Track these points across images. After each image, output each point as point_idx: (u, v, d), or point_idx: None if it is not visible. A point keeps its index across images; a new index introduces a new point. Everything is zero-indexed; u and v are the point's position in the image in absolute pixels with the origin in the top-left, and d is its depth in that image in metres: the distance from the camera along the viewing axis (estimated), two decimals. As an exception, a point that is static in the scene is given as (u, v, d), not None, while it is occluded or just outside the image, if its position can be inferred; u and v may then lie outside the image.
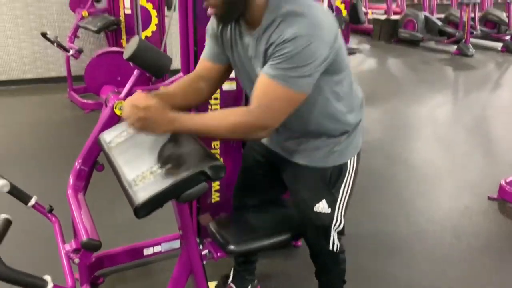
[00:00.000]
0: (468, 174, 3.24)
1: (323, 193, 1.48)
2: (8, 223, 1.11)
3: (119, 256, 2.07)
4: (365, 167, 1.58)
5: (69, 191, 1.58)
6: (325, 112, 1.37)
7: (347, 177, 1.51)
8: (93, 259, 1.94)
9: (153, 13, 4.88)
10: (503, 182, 2.88)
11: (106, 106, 1.70)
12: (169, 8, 4.94)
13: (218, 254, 1.84)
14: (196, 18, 1.82)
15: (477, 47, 7.90)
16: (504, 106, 5.07)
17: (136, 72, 1.64)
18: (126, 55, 1.56)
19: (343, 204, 1.52)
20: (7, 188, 1.26)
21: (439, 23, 8.39)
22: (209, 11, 1.22)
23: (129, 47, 1.56)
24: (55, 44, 4.04)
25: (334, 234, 1.52)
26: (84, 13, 4.28)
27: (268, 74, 1.18)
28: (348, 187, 1.52)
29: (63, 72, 5.27)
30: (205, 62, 1.42)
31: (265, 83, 1.20)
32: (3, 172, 1.40)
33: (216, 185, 2.13)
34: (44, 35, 4.09)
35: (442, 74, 6.63)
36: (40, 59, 5.18)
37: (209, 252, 1.74)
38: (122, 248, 2.08)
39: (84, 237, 1.24)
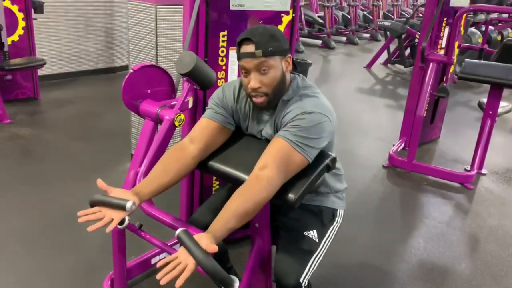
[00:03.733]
0: (361, 152, 4.00)
1: (316, 224, 1.56)
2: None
3: (131, 270, 2.08)
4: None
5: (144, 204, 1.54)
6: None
7: (335, 225, 1.61)
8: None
9: (19, 15, 4.38)
10: (391, 152, 3.71)
11: (156, 121, 1.72)
12: (37, 11, 4.51)
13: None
14: (208, 31, 1.96)
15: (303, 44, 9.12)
16: (353, 93, 6.14)
17: (187, 85, 1.72)
18: (182, 70, 1.62)
19: (325, 246, 1.55)
20: (135, 207, 1.27)
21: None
22: (259, 100, 1.38)
23: (183, 62, 1.62)
24: None
25: (310, 269, 1.46)
26: None
27: (288, 139, 1.32)
28: (332, 236, 1.59)
29: None
30: (213, 123, 1.47)
31: (284, 148, 1.31)
32: None
33: (216, 185, 2.30)
34: None
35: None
36: None
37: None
38: (132, 262, 2.09)
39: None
